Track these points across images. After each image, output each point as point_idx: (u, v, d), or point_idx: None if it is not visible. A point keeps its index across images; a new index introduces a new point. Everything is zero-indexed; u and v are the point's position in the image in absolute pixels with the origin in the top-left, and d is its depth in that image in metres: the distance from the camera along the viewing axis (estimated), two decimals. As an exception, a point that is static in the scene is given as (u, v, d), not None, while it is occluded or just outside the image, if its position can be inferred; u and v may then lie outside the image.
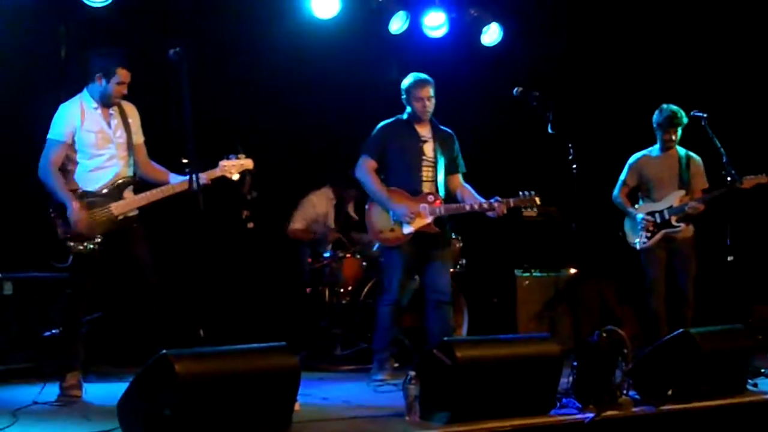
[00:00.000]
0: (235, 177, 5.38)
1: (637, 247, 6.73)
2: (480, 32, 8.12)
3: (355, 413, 4.82)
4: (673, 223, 6.65)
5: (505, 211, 5.75)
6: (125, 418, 4.03)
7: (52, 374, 5.36)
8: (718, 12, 8.19)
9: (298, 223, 7.68)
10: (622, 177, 6.95)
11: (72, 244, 5.14)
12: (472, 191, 5.99)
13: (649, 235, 6.69)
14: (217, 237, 6.08)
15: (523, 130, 6.08)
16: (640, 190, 6.92)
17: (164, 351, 3.90)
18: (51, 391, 5.18)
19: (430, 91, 5.92)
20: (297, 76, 7.71)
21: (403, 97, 6.00)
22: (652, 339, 6.52)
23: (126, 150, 5.39)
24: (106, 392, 5.19)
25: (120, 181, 5.33)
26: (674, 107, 6.68)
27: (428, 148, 5.97)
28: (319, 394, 5.41)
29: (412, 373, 4.55)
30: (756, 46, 8.28)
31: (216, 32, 7.29)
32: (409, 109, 6.00)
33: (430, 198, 5.86)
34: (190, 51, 4.92)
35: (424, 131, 6.00)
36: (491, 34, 8.13)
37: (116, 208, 5.27)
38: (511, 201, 5.76)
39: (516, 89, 5.85)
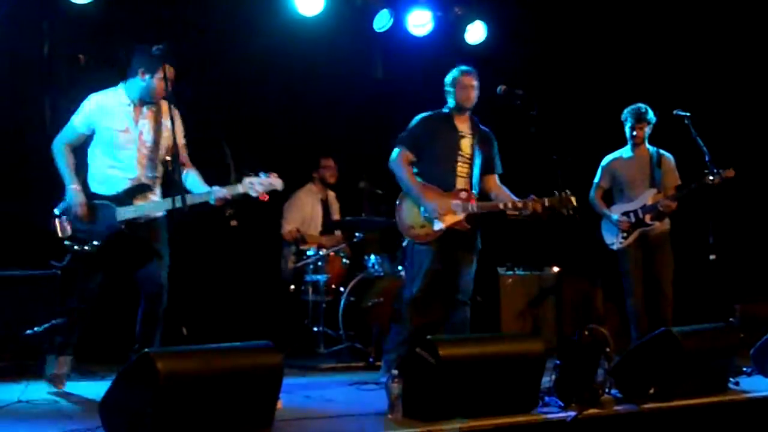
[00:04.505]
0: (258, 195, 5.06)
1: (615, 248, 6.78)
2: (464, 30, 8.14)
3: (338, 411, 4.81)
4: (647, 221, 6.72)
5: (539, 210, 5.60)
6: (108, 416, 4.01)
7: (33, 372, 5.33)
8: (702, 12, 8.22)
9: (291, 224, 7.68)
10: (596, 179, 7.03)
11: (69, 243, 5.08)
12: (509, 192, 5.87)
13: (625, 235, 6.74)
14: (200, 234, 6.08)
15: (506, 128, 6.09)
16: (613, 191, 7.00)
17: (146, 349, 3.90)
18: (35, 389, 5.12)
19: (474, 80, 5.82)
20: (281, 73, 7.71)
21: (447, 89, 5.86)
22: (634, 338, 6.58)
23: (151, 153, 5.20)
24: (89, 390, 5.17)
25: (133, 186, 5.17)
26: (641, 104, 6.79)
27: (466, 144, 5.83)
28: (302, 392, 5.40)
29: (395, 372, 4.56)
30: (737, 47, 8.33)
31: (200, 29, 7.27)
32: (451, 102, 5.86)
33: (463, 194, 5.73)
34: (174, 48, 4.90)
35: (464, 126, 5.87)
36: (475, 33, 8.15)
37: (119, 213, 5.11)
38: (546, 200, 5.61)
39: (499, 87, 5.83)
